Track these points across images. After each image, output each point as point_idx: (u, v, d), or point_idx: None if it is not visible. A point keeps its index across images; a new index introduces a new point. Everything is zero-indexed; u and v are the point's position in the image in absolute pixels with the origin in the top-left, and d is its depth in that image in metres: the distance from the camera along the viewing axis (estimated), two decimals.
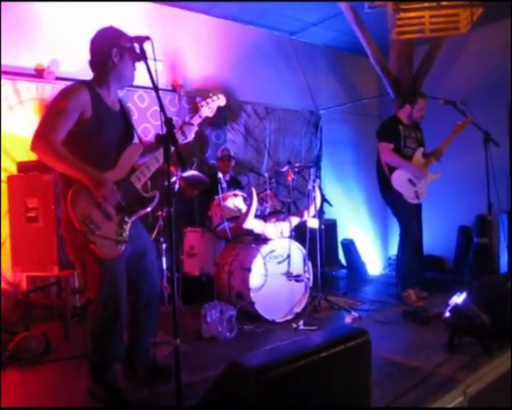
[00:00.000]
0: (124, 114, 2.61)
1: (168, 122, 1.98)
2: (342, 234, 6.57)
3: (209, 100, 2.76)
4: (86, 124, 2.34)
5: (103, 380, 2.49)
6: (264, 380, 1.65)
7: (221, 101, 2.78)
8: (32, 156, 4.24)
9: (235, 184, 5.05)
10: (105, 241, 2.33)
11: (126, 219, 2.44)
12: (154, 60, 2.48)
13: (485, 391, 2.64)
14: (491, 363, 2.83)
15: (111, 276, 2.41)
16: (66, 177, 2.34)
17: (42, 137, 2.25)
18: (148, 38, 2.23)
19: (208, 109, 2.76)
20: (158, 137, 2.01)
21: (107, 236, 2.34)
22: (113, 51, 2.39)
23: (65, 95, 2.33)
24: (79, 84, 2.40)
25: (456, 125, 4.37)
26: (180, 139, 2.66)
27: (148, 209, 2.58)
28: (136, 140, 2.68)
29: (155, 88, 2.11)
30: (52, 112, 2.32)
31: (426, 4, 3.96)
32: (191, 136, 2.74)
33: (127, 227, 2.44)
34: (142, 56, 2.21)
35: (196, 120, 2.73)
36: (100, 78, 2.46)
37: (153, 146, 2.64)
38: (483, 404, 2.60)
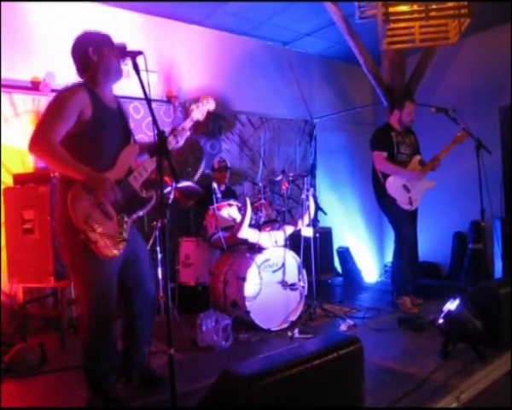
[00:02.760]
0: (121, 115, 2.63)
1: (160, 135, 2.01)
2: (338, 242, 6.58)
3: (199, 104, 2.85)
4: (86, 125, 2.34)
5: (103, 392, 2.47)
6: (257, 388, 1.68)
7: (211, 105, 2.89)
8: (28, 168, 4.30)
9: (229, 194, 5.03)
10: (106, 240, 2.33)
11: (126, 218, 2.47)
12: (147, 71, 2.54)
13: (478, 397, 2.66)
14: (484, 369, 2.85)
15: (105, 281, 2.42)
16: (66, 179, 2.33)
17: (39, 138, 2.24)
18: (140, 53, 2.28)
19: (199, 113, 2.84)
20: (151, 149, 2.04)
21: (109, 234, 2.35)
22: (89, 51, 2.43)
23: (63, 96, 2.34)
24: (77, 85, 2.41)
25: (456, 136, 4.37)
26: (172, 143, 2.70)
27: (147, 208, 2.60)
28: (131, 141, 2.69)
29: (147, 100, 2.15)
30: (50, 113, 2.31)
31: (415, 15, 4.02)
32: (183, 140, 2.78)
33: (127, 227, 2.47)
34: (135, 69, 2.24)
35: (188, 124, 2.77)
36: (89, 80, 2.46)
37: (147, 146, 2.69)
38: None
